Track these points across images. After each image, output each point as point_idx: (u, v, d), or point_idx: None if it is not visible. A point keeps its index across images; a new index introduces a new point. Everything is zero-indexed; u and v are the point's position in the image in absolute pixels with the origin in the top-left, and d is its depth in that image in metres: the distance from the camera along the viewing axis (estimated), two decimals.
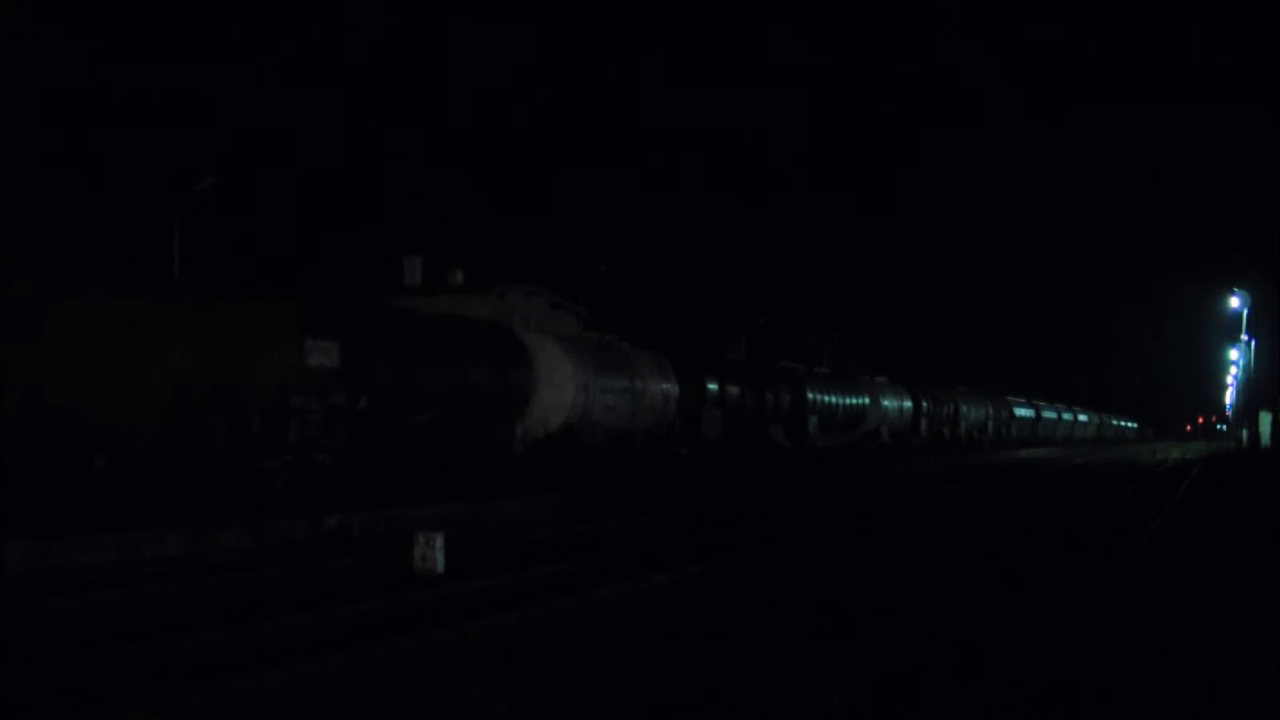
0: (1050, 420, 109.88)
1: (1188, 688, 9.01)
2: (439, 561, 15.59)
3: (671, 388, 38.15)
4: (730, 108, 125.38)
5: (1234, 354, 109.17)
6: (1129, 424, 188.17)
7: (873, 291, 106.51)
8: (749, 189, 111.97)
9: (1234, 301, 74.14)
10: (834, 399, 52.20)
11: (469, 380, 28.48)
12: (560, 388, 32.34)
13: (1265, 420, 76.78)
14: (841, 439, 54.25)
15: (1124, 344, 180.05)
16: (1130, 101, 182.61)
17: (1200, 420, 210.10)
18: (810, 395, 49.55)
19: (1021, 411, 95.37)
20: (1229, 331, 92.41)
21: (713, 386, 40.73)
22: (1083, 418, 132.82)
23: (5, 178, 51.38)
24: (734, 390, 41.80)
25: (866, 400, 56.82)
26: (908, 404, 63.42)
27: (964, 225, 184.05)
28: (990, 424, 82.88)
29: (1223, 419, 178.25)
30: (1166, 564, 15.40)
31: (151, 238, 43.68)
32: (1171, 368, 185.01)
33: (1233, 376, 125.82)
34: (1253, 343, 77.26)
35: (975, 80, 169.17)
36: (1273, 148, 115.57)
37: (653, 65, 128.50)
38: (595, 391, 33.59)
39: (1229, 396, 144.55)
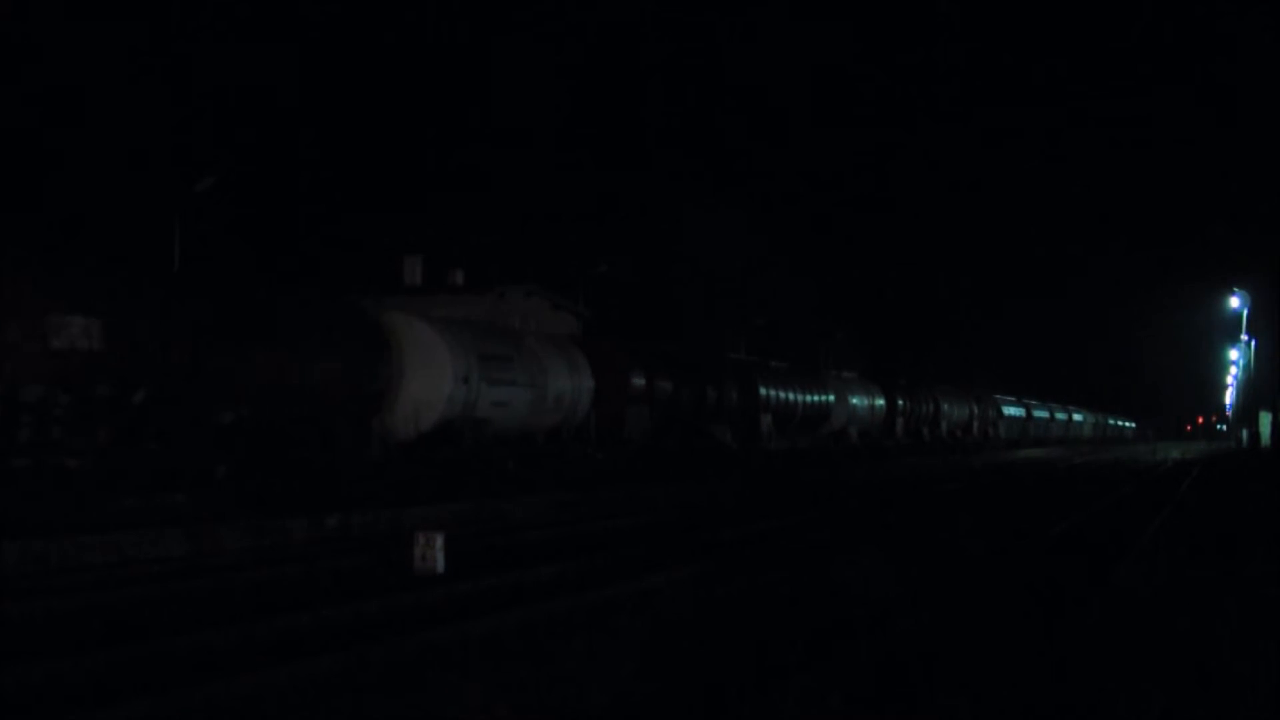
0: (1042, 420, 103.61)
1: (1188, 688, 8.89)
2: (439, 561, 15.31)
3: (584, 382, 32.68)
4: (730, 108, 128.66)
5: (1234, 354, 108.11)
6: (1127, 423, 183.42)
7: (871, 291, 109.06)
8: (749, 189, 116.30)
9: (1234, 301, 72.99)
10: (792, 396, 46.65)
11: (296, 370, 23.07)
12: (433, 379, 26.90)
13: (1265, 420, 75.81)
14: (803, 440, 48.73)
15: (1124, 344, 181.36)
16: (1131, 102, 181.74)
17: (1200, 420, 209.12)
18: (764, 391, 44.02)
19: (1010, 410, 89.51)
20: (1229, 331, 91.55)
21: (639, 381, 35.23)
22: (1077, 417, 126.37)
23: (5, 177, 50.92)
24: (665, 385, 36.29)
25: (831, 397, 51.24)
26: (880, 402, 57.77)
27: (964, 225, 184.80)
28: (975, 423, 77.15)
29: (1223, 419, 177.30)
30: (1167, 569, 14.96)
31: (151, 238, 43.06)
32: (1171, 368, 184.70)
33: (1233, 376, 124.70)
34: (1253, 343, 76.23)
35: (975, 80, 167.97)
36: (1273, 147, 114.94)
37: (653, 66, 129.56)
38: (480, 384, 28.12)
39: (1229, 396, 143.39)
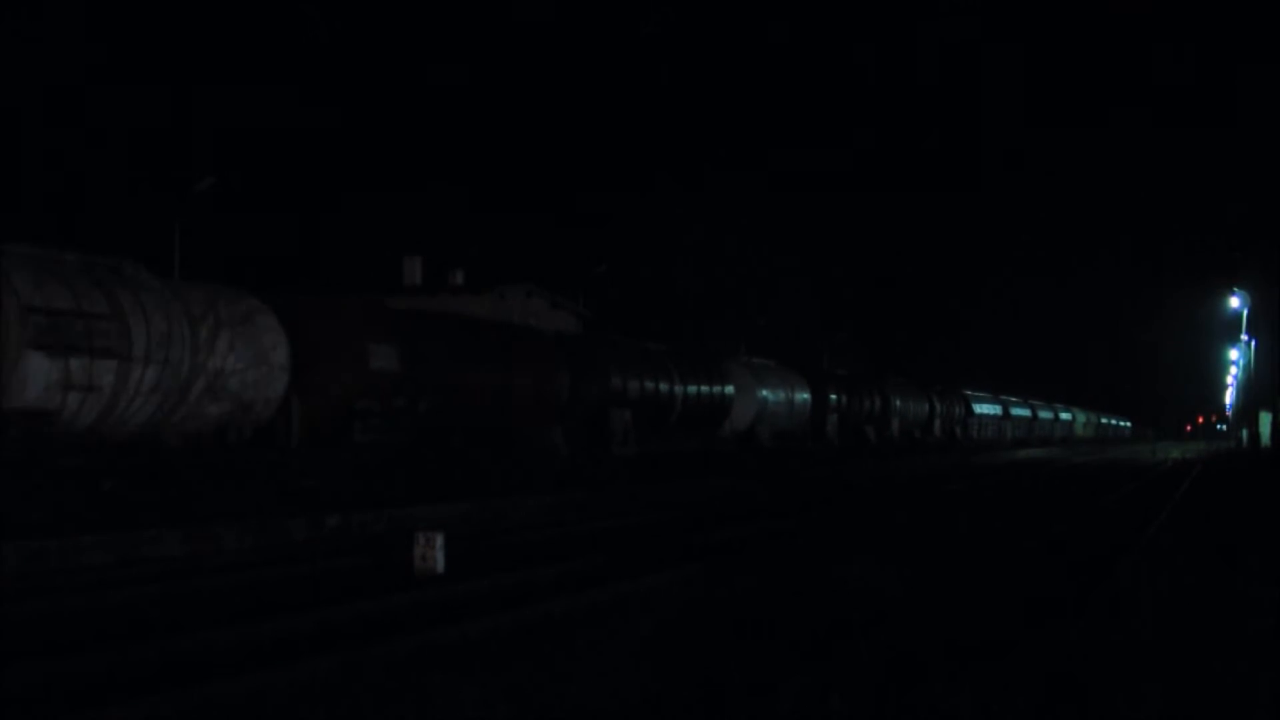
0: (1022, 418, 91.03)
1: (1187, 688, 8.76)
2: (439, 561, 14.89)
3: (277, 357, 21.60)
4: (731, 109, 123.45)
5: (1234, 354, 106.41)
6: (1122, 423, 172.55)
7: (869, 291, 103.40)
8: (750, 190, 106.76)
9: (1234, 301, 71.10)
10: (667, 386, 35.45)
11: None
12: None
13: (1265, 420, 73.10)
14: (689, 442, 37.52)
15: (1124, 344, 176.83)
16: (1131, 101, 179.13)
17: (1200, 420, 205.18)
18: (617, 381, 32.87)
19: (984, 408, 77.55)
20: (1229, 331, 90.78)
21: (384, 362, 24.04)
22: (1064, 416, 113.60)
23: (5, 177, 50.75)
24: (390, 367, 24.58)
25: (729, 390, 39.97)
26: (803, 396, 46.33)
27: (965, 226, 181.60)
28: (938, 423, 65.50)
29: (1223, 419, 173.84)
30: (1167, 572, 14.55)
31: (151, 238, 42.06)
32: (1171, 368, 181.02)
33: (1233, 376, 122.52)
34: (1253, 343, 74.04)
35: (979, 82, 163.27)
36: (1273, 148, 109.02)
37: (653, 65, 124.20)
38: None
39: (1229, 396, 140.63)
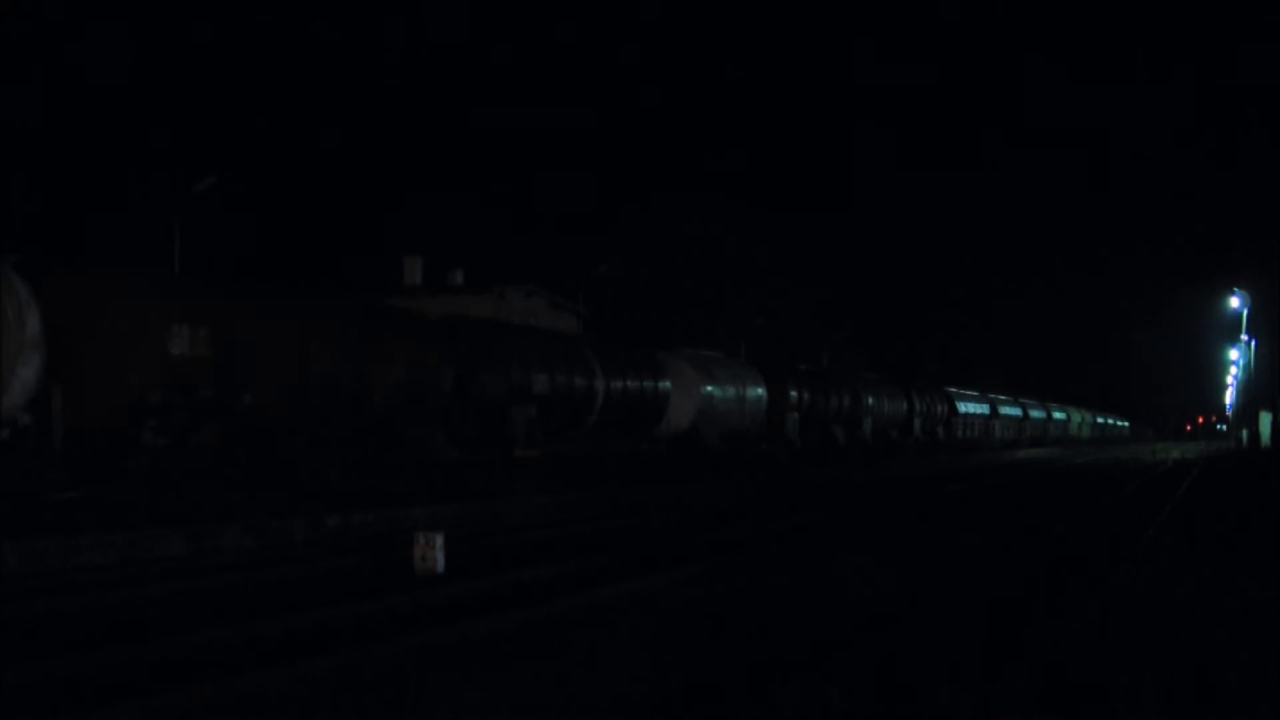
0: (1012, 418, 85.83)
1: (1187, 690, 8.64)
2: (439, 561, 14.51)
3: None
4: (731, 109, 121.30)
5: (1234, 354, 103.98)
6: (1120, 423, 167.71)
7: (868, 291, 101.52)
8: (750, 191, 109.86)
9: (1234, 301, 69.71)
10: (583, 380, 30.74)
11: None
12: None
13: (1265, 420, 72.57)
14: (618, 444, 32.85)
15: (1124, 344, 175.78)
16: (1131, 101, 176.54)
17: (1200, 420, 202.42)
18: (520, 373, 28.19)
19: (970, 407, 72.52)
20: (1229, 331, 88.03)
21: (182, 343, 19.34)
22: (1059, 415, 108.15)
23: (5, 177, 49.92)
24: (197, 352, 19.78)
25: (666, 385, 35.25)
26: (757, 392, 41.55)
27: (963, 226, 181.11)
28: (918, 422, 60.58)
29: (1223, 419, 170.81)
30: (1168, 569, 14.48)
31: (151, 238, 42.24)
32: (1171, 368, 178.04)
33: (1233, 376, 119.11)
34: (1253, 343, 72.83)
35: (975, 82, 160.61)
36: (1273, 148, 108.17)
37: (654, 67, 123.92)
38: None
39: (1229, 396, 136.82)
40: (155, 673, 9.11)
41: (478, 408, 27.11)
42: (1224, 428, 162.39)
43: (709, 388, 37.84)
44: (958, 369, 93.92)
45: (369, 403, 23.68)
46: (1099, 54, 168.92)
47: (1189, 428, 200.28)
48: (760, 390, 41.85)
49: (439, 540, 14.66)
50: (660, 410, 35.25)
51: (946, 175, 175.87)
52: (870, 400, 52.99)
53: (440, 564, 14.56)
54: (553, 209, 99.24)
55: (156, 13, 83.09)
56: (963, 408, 69.77)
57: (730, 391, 39.47)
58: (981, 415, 75.28)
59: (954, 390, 70.57)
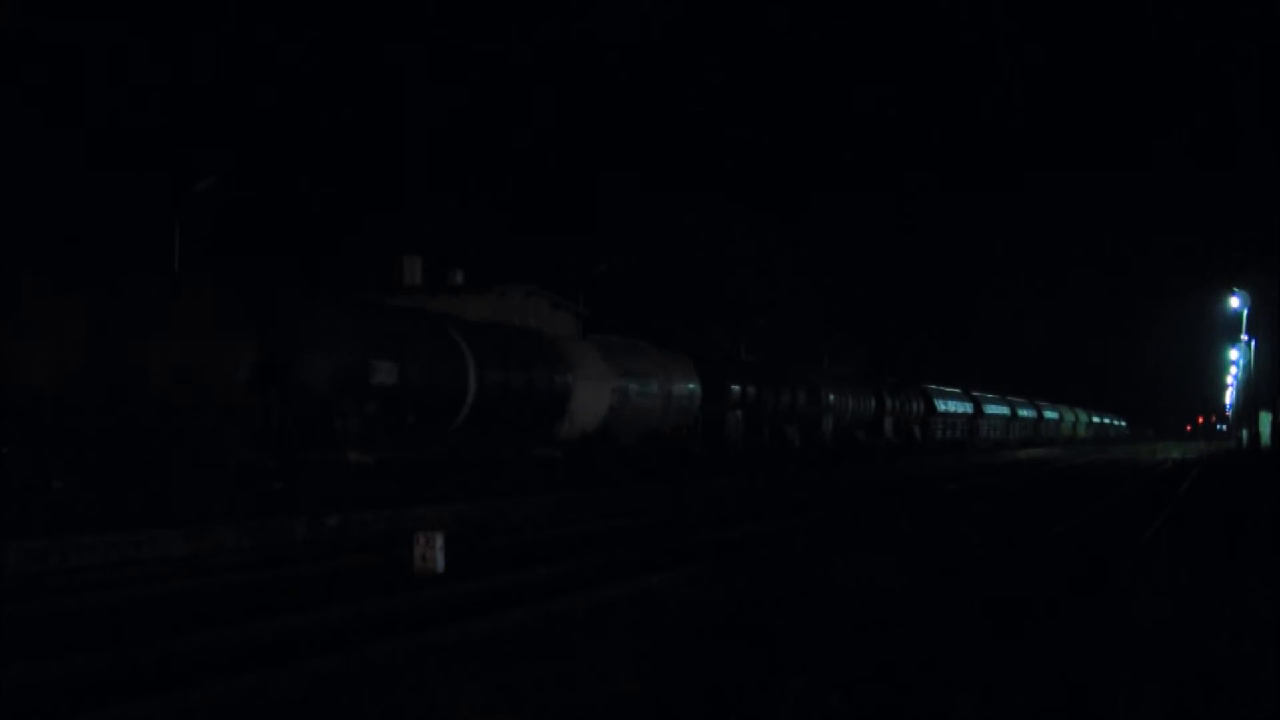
0: (998, 417, 79.76)
1: (1187, 691, 8.52)
2: (439, 561, 14.64)
3: None
4: (731, 110, 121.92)
5: (1234, 354, 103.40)
6: (1118, 422, 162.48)
7: (867, 290, 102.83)
8: (750, 191, 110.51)
9: (1234, 301, 68.27)
10: (447, 371, 25.24)
11: None
12: None
13: (1265, 420, 70.98)
14: (488, 446, 27.36)
15: (1124, 344, 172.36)
16: (1132, 100, 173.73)
17: (1200, 420, 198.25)
18: (354, 361, 22.73)
19: (950, 406, 66.66)
20: (1229, 331, 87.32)
21: None
22: (1051, 414, 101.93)
23: (6, 177, 49.20)
24: None
25: (567, 378, 29.71)
26: (688, 387, 35.92)
27: (964, 225, 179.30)
28: (889, 421, 54.87)
29: (1222, 419, 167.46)
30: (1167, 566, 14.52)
31: (151, 238, 41.38)
32: (1171, 368, 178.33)
33: (1233, 376, 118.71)
34: (1253, 343, 71.26)
35: (977, 84, 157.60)
36: (1273, 148, 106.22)
37: (654, 67, 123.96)
38: None
39: (1229, 396, 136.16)
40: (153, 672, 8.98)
41: (293, 401, 21.64)
42: (1224, 428, 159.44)
43: (624, 381, 32.23)
44: (949, 368, 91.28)
45: (125, 393, 18.21)
46: (1099, 54, 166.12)
47: (1189, 428, 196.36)
48: (693, 385, 36.24)
49: (439, 540, 14.52)
50: (560, 407, 29.71)
51: (947, 175, 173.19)
52: (831, 397, 47.32)
53: (440, 564, 14.46)
54: (553, 209, 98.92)
55: (156, 12, 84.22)
56: (942, 406, 63.96)
57: (653, 386, 33.88)
58: (964, 414, 69.43)
59: (933, 387, 64.80)
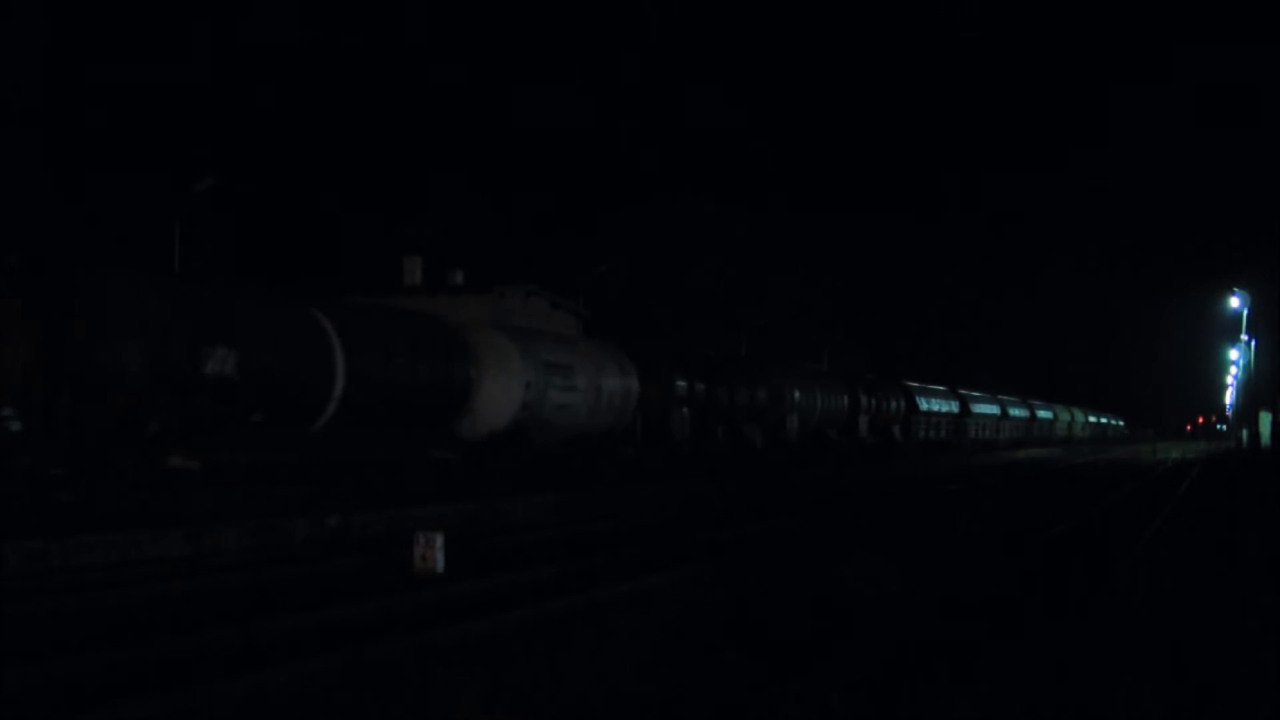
0: (988, 416, 75.58)
1: (1187, 688, 8.40)
2: (439, 561, 14.36)
3: None
4: (732, 111, 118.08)
5: (1234, 354, 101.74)
6: (1116, 422, 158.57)
7: (867, 290, 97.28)
8: (751, 192, 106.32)
9: (1234, 301, 67.39)
10: (306, 363, 21.30)
11: None
12: None
13: (1265, 420, 70.24)
14: (380, 449, 23.45)
15: (1124, 344, 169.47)
16: (1131, 100, 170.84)
17: (1200, 420, 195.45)
18: (180, 350, 18.79)
19: (934, 405, 62.54)
20: (1229, 331, 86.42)
21: None
22: (1044, 414, 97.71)
23: (6, 177, 49.26)
24: None
25: (468, 372, 25.73)
26: (622, 383, 31.91)
27: (963, 225, 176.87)
28: (864, 421, 50.80)
29: (1222, 419, 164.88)
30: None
31: (151, 238, 41.53)
32: (1171, 368, 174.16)
33: (1233, 376, 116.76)
34: (1253, 343, 70.36)
35: (976, 81, 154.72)
36: (1273, 148, 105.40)
37: (654, 67, 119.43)
38: None
39: (1229, 396, 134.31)
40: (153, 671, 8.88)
41: (90, 396, 17.71)
42: (1224, 428, 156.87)
43: (541, 375, 28.24)
44: (942, 368, 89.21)
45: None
46: (1097, 54, 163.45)
47: (1189, 428, 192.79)
48: (629, 380, 32.25)
49: (439, 540, 14.37)
50: (460, 403, 25.77)
51: (946, 176, 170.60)
52: (797, 394, 43.28)
53: (440, 564, 14.27)
54: (552, 209, 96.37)
55: (156, 12, 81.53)
56: (925, 404, 59.86)
57: (580, 381, 29.89)
58: (949, 413, 65.33)
59: (915, 385, 60.72)
